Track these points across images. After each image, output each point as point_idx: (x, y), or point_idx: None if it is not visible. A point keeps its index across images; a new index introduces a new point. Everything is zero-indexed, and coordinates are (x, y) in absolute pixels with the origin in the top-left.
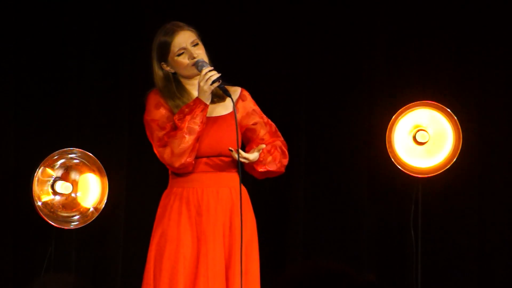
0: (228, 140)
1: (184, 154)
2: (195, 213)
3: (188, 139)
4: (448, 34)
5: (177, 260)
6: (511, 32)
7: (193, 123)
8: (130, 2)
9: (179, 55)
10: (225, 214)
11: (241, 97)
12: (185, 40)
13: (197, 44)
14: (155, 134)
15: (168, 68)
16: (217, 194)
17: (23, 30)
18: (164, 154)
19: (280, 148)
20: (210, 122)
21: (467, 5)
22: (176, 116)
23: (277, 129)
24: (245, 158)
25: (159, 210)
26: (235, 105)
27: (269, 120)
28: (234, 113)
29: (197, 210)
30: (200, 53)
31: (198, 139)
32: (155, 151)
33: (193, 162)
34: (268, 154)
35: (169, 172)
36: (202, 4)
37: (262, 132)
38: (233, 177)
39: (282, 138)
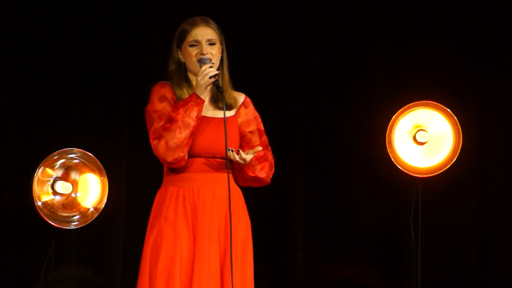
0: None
1: (177, 149)
2: (191, 213)
3: (183, 133)
4: (448, 34)
5: (173, 259)
6: (511, 32)
7: (188, 117)
8: (130, 3)
9: (191, 46)
10: (221, 214)
11: (244, 103)
12: (202, 34)
13: (213, 44)
14: (154, 125)
15: (180, 56)
16: (213, 194)
17: (23, 30)
18: (158, 147)
19: (270, 160)
20: (213, 123)
21: (467, 5)
22: (171, 109)
23: (268, 143)
24: (243, 159)
25: (154, 209)
26: (237, 110)
27: (265, 134)
28: (223, 111)
29: (193, 209)
30: (213, 53)
31: (192, 134)
32: (150, 143)
33: (186, 157)
34: (258, 162)
35: (164, 170)
36: (202, 4)
37: (257, 140)
38: (229, 178)
39: (271, 153)
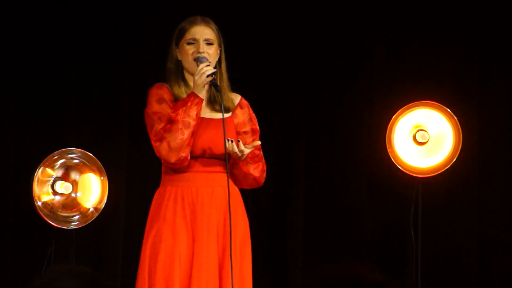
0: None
1: (180, 149)
2: (190, 212)
3: (184, 134)
4: (448, 34)
5: (172, 259)
6: (511, 32)
7: (188, 117)
8: (130, 3)
9: (188, 44)
10: (219, 214)
11: (240, 104)
12: (200, 33)
13: (211, 44)
14: (154, 127)
15: (178, 54)
16: (212, 194)
17: (23, 30)
18: (160, 148)
19: (264, 162)
20: (212, 124)
21: (467, 5)
22: (171, 110)
23: (261, 147)
24: (241, 150)
25: (153, 209)
26: (233, 111)
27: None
28: (221, 110)
29: (192, 209)
30: (209, 53)
31: (193, 134)
32: (152, 146)
33: (189, 157)
34: (252, 161)
35: (162, 170)
36: (201, 4)
37: (250, 140)
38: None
39: (263, 158)
